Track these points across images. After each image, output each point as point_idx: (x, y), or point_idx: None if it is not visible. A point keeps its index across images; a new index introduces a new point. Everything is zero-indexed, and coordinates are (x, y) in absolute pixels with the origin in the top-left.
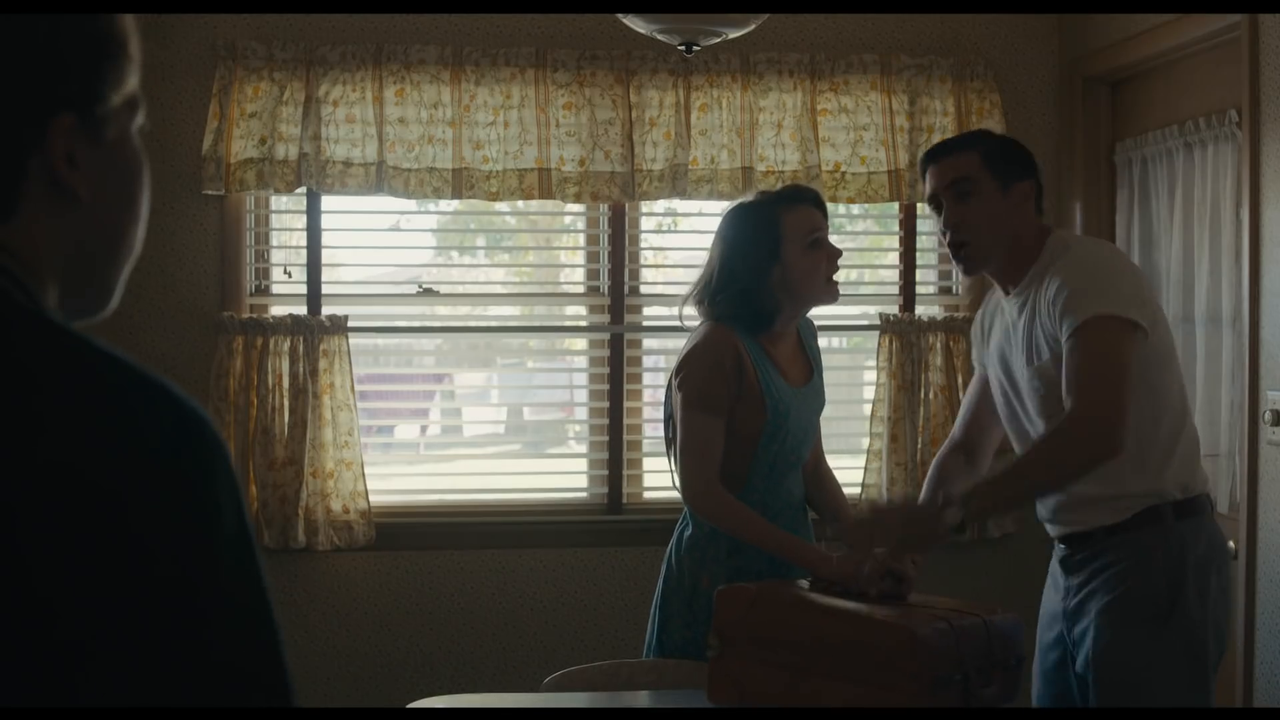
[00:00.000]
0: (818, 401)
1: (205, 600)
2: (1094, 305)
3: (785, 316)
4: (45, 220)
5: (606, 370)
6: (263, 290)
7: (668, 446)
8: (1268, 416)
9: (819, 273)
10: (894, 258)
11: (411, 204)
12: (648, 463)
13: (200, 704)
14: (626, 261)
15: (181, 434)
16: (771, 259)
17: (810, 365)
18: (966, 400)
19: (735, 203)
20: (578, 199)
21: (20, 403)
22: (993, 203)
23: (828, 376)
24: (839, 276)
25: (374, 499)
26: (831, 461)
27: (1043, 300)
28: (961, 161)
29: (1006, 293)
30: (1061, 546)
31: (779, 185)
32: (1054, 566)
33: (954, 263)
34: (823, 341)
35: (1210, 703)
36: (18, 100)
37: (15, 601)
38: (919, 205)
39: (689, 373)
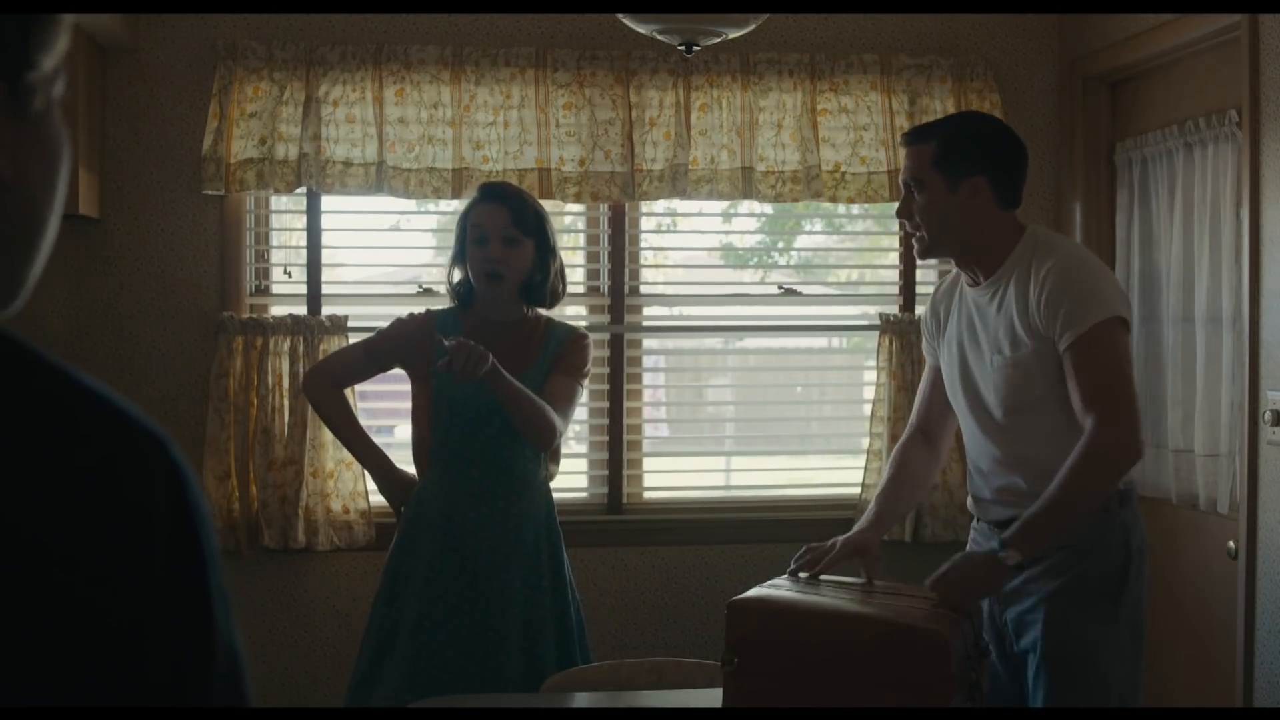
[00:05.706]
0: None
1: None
2: (1095, 312)
3: (480, 301)
4: None
5: (606, 370)
6: (263, 290)
7: None
8: (1268, 416)
9: (476, 266)
10: (894, 258)
11: (411, 204)
12: (648, 463)
13: None
14: (626, 261)
15: (146, 456)
16: (462, 253)
17: (535, 363)
18: (921, 390)
19: None
20: (578, 199)
21: None
22: (937, 199)
23: (827, 376)
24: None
25: (374, 499)
26: (831, 461)
27: (1023, 294)
28: (917, 156)
29: (974, 284)
30: (998, 529)
31: (778, 185)
32: (980, 548)
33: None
34: (822, 341)
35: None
36: None
37: None
38: None
39: None
